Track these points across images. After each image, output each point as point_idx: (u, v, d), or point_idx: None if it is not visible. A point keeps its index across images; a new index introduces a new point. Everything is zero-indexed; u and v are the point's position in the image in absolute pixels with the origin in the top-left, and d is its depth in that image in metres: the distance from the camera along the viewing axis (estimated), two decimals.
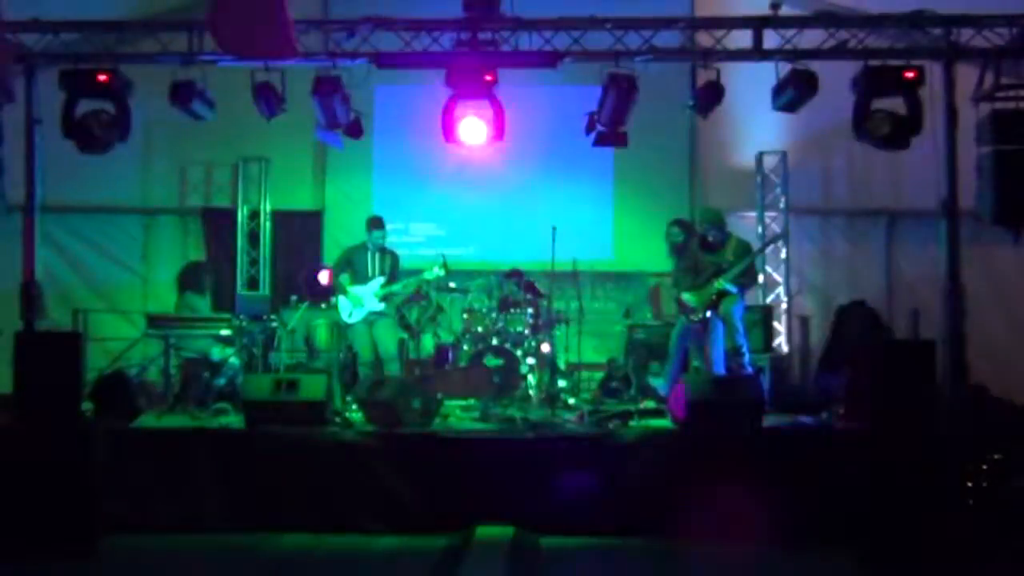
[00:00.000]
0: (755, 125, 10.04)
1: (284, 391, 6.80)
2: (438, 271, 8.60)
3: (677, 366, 7.97)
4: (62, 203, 9.43)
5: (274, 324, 8.66)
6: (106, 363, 8.44)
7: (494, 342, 8.60)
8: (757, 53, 7.64)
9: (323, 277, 8.84)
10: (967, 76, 7.53)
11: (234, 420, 7.11)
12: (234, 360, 8.27)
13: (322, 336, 9.21)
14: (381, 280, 8.51)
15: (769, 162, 10.34)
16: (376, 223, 8.64)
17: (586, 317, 8.94)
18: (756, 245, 8.84)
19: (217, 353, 8.36)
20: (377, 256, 8.61)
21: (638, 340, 9.18)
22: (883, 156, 7.97)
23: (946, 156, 7.53)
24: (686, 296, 7.96)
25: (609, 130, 7.99)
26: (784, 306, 10.23)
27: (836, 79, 7.60)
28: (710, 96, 7.69)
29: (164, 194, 10.60)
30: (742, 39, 7.70)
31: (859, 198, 10.33)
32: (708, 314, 7.81)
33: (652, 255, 10.21)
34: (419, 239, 10.50)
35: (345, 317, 8.56)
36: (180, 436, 6.68)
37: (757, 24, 7.60)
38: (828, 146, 10.06)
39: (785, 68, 7.56)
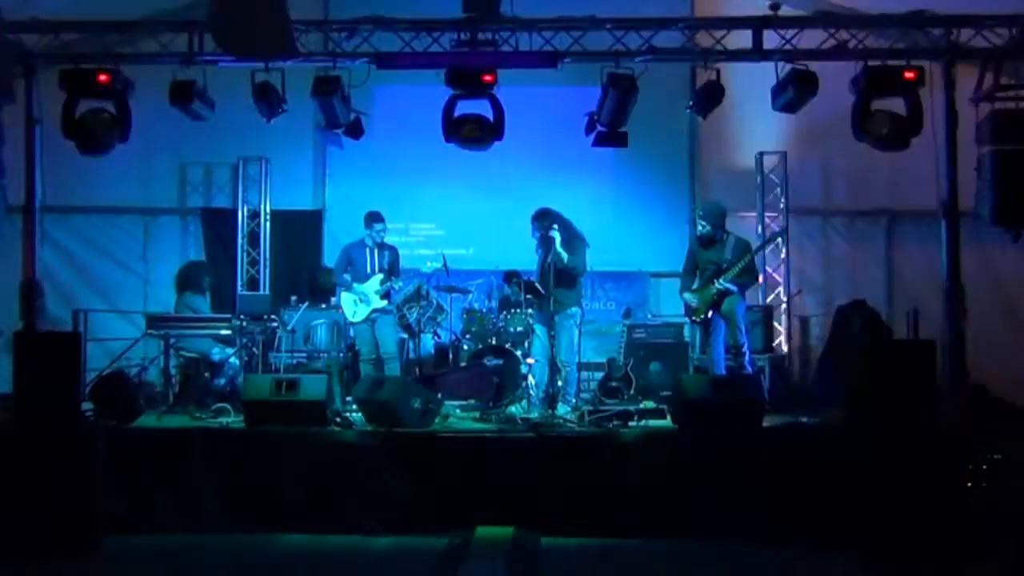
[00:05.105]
0: (755, 125, 10.05)
1: (284, 391, 6.79)
2: (434, 264, 8.61)
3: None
4: (62, 203, 9.44)
5: (274, 324, 8.66)
6: (106, 363, 8.43)
7: (494, 342, 8.60)
8: (757, 53, 7.64)
9: None
10: (967, 76, 7.53)
11: (234, 420, 7.11)
12: (234, 360, 8.27)
13: (322, 336, 9.21)
14: (380, 277, 8.49)
15: (769, 162, 10.34)
16: (375, 217, 8.61)
17: (586, 317, 8.93)
18: (755, 244, 8.82)
19: (217, 353, 8.36)
20: (376, 252, 8.58)
21: (638, 340, 9.18)
22: (883, 156, 7.96)
23: (946, 156, 7.53)
24: (688, 296, 7.99)
25: (609, 130, 7.98)
26: (784, 306, 10.23)
27: (836, 79, 7.60)
28: (710, 96, 7.69)
29: (164, 194, 10.61)
30: (742, 39, 7.70)
31: (859, 198, 10.33)
32: (710, 314, 7.83)
33: (652, 255, 10.24)
34: (419, 239, 10.49)
35: (350, 316, 8.55)
36: (180, 436, 6.67)
37: (757, 24, 7.61)
38: (828, 146, 10.05)
39: (785, 68, 7.56)
